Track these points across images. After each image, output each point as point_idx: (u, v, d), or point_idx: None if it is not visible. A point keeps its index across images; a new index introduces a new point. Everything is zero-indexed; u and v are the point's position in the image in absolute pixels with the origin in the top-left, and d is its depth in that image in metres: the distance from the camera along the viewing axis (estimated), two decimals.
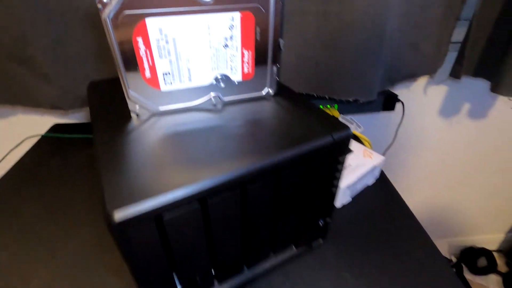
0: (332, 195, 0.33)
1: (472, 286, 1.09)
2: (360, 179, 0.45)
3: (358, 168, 0.45)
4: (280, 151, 0.25)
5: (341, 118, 0.60)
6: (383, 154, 0.81)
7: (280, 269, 0.36)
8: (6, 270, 0.36)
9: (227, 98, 0.31)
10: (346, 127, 0.28)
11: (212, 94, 0.31)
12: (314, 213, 0.33)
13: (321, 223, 0.36)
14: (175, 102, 0.30)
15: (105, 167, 0.23)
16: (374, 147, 0.56)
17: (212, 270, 0.31)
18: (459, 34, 0.60)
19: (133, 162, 0.23)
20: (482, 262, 1.13)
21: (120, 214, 0.19)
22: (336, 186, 0.32)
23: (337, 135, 0.27)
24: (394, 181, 0.50)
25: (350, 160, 0.47)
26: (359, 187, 0.46)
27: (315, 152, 0.26)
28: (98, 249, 0.38)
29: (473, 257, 1.13)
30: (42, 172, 0.51)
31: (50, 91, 0.52)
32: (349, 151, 0.29)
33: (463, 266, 1.14)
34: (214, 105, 0.31)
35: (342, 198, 0.44)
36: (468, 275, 1.13)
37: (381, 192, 0.48)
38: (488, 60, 0.61)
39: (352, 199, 0.46)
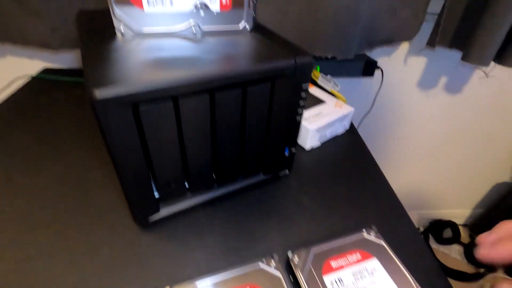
0: (297, 124, 0.37)
1: (436, 254, 1.18)
2: (329, 125, 0.49)
3: (328, 115, 0.49)
4: (246, 65, 0.28)
5: (321, 77, 0.63)
6: (360, 122, 0.86)
7: (248, 192, 0.40)
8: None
9: (206, 28, 0.34)
10: (308, 54, 0.31)
11: (192, 21, 0.33)
12: (280, 140, 0.37)
13: (286, 153, 0.40)
14: (157, 25, 0.33)
15: (89, 64, 0.26)
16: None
17: (186, 182, 0.35)
18: (437, 5, 0.63)
19: (114, 63, 0.27)
20: (448, 233, 1.21)
21: (100, 93, 0.22)
22: (300, 115, 0.36)
23: (300, 60, 0.31)
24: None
25: (322, 109, 0.51)
26: (329, 134, 0.51)
27: (278, 70, 0.30)
28: (84, 168, 0.42)
29: (440, 229, 1.22)
30: (31, 107, 0.54)
31: (40, 29, 0.54)
32: (310, 79, 0.33)
33: (430, 236, 1.23)
34: (194, 34, 0.34)
35: (311, 141, 0.48)
36: (434, 245, 1.22)
37: (349, 142, 0.52)
38: (463, 31, 0.64)
39: (322, 144, 0.50)
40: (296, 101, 0.34)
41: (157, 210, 0.35)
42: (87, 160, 0.43)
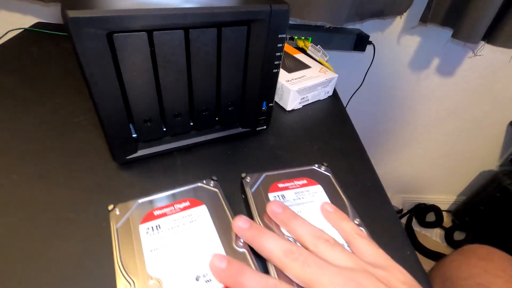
0: (274, 77, 0.38)
1: (417, 236, 1.21)
2: (311, 88, 0.50)
3: (311, 78, 0.50)
4: (221, 5, 0.29)
5: (311, 46, 0.64)
6: (350, 98, 0.87)
7: (225, 142, 0.42)
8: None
9: None
10: (285, 3, 0.32)
11: None
12: (257, 92, 0.38)
13: (264, 107, 0.41)
14: None
15: None
16: (341, 88, 0.60)
17: (163, 125, 0.37)
18: None
19: None
20: (431, 217, 1.25)
21: (74, 12, 0.23)
22: (277, 67, 0.37)
23: (276, 7, 0.31)
24: (357, 128, 0.50)
25: (306, 73, 0.52)
26: (311, 97, 0.52)
27: (253, 14, 0.30)
28: (68, 113, 0.43)
29: (424, 212, 1.25)
30: (22, 55, 0.55)
31: None
32: (287, 31, 0.34)
33: (414, 218, 1.26)
34: None
35: (292, 102, 0.49)
36: (416, 227, 1.26)
37: (330, 107, 0.53)
38: (455, 9, 0.65)
39: (303, 107, 0.51)
40: (272, 51, 0.35)
41: (134, 150, 0.36)
42: (72, 106, 0.44)
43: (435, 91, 0.91)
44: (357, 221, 0.30)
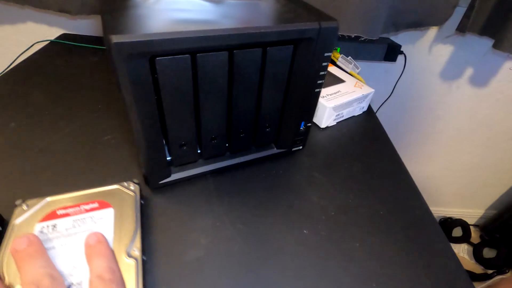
0: (315, 97, 0.36)
1: None
2: (347, 104, 0.47)
3: (346, 94, 0.47)
4: (266, 25, 0.27)
5: (341, 58, 0.61)
6: (379, 107, 0.83)
7: (260, 164, 0.39)
8: (15, 137, 0.40)
9: None
10: (334, 20, 0.30)
11: None
12: (297, 112, 0.36)
13: (302, 127, 0.39)
14: None
15: (108, 18, 0.25)
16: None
17: (198, 147, 0.34)
18: None
19: (133, 17, 0.26)
20: (457, 232, 1.19)
21: (118, 38, 0.21)
22: (319, 87, 0.35)
23: (325, 24, 0.29)
24: None
25: (341, 88, 0.49)
26: (345, 114, 0.49)
27: (300, 33, 0.28)
28: (97, 131, 0.42)
29: (450, 227, 1.19)
30: (49, 69, 0.54)
31: None
32: (334, 47, 0.31)
33: None
34: None
35: (327, 119, 0.46)
36: None
37: (366, 124, 0.50)
38: (496, 18, 0.61)
39: (337, 123, 0.49)
40: (317, 70, 0.33)
41: (168, 175, 0.35)
42: (100, 123, 0.43)
43: (466, 102, 0.86)
44: (136, 249, 0.26)
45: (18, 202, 0.27)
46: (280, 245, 0.31)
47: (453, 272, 0.31)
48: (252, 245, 0.31)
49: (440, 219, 1.22)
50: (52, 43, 0.63)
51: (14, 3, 0.58)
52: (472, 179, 1.12)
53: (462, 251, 1.18)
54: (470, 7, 0.60)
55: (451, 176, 1.11)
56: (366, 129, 0.49)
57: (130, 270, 0.24)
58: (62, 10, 0.56)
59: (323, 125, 0.47)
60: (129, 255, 0.25)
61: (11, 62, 0.66)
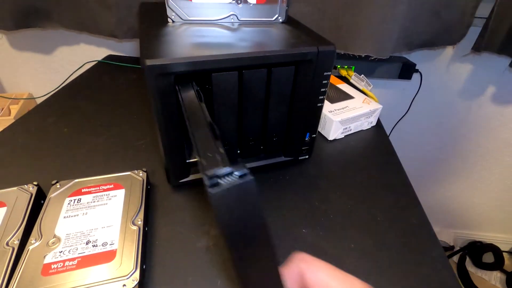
0: (318, 110, 0.40)
1: (472, 277, 1.09)
2: (354, 119, 0.50)
3: (354, 109, 0.51)
4: (272, 48, 0.32)
5: (354, 75, 0.65)
6: (394, 126, 0.84)
7: (269, 170, 0.44)
8: (67, 140, 0.48)
9: (242, 18, 0.39)
10: (331, 44, 0.34)
11: (231, 12, 0.38)
12: (302, 123, 0.40)
13: (307, 138, 0.43)
14: (202, 15, 0.38)
15: (144, 43, 0.32)
16: (385, 115, 0.59)
17: None
18: (485, 9, 0.61)
19: (163, 43, 0.32)
20: (489, 258, 1.12)
21: (150, 61, 0.28)
22: (322, 102, 0.39)
23: (322, 48, 0.34)
24: (401, 158, 0.48)
25: (349, 103, 0.53)
26: (353, 127, 0.52)
27: (301, 55, 0.33)
28: (132, 136, 0.49)
29: (480, 252, 1.13)
30: (96, 84, 0.64)
31: (109, 20, 0.64)
32: (332, 68, 0.36)
33: (467, 257, 1.14)
34: (231, 23, 0.39)
35: (334, 132, 0.50)
36: (471, 268, 1.13)
37: (373, 138, 0.53)
38: None
39: (345, 136, 0.52)
40: (318, 87, 0.37)
41: (187, 175, 0.40)
42: (134, 131, 0.50)
43: (490, 121, 0.85)
44: (139, 220, 0.32)
45: (53, 182, 0.36)
46: (280, 240, 0.35)
47: (443, 275, 0.32)
48: None
49: (469, 242, 1.16)
50: (99, 62, 0.74)
51: (73, 29, 0.69)
52: (505, 201, 1.06)
53: (494, 278, 1.11)
54: (485, 27, 0.61)
55: (481, 197, 1.06)
56: (373, 142, 0.52)
57: (134, 235, 0.31)
58: (111, 34, 0.66)
59: (330, 137, 0.50)
60: (134, 224, 0.32)
61: (65, 78, 0.77)
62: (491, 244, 1.13)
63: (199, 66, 0.30)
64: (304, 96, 0.37)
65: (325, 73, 0.36)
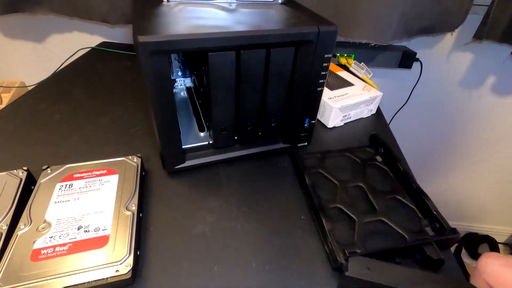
0: (318, 95, 0.39)
1: (468, 269, 1.10)
2: (354, 106, 0.49)
3: (354, 96, 0.50)
4: (270, 28, 0.31)
5: (354, 63, 0.63)
6: (393, 116, 0.84)
7: (267, 157, 0.43)
8: (59, 126, 0.46)
9: None
10: (333, 25, 0.33)
11: None
12: (300, 108, 0.39)
13: (306, 124, 0.42)
14: None
15: (137, 22, 0.30)
16: (384, 105, 0.58)
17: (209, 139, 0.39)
18: None
19: (157, 21, 0.31)
20: (484, 249, 1.13)
21: (143, 38, 0.26)
22: (321, 86, 0.38)
23: (323, 28, 0.32)
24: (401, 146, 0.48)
25: (349, 90, 0.51)
26: (353, 115, 0.51)
27: (301, 36, 0.32)
28: (126, 123, 0.48)
29: (475, 243, 1.13)
30: (89, 71, 0.62)
31: (102, 5, 0.62)
32: (333, 51, 0.35)
33: (463, 249, 1.15)
34: (229, 3, 0.38)
35: (333, 119, 0.49)
36: (466, 259, 1.14)
37: (373, 125, 0.52)
38: None
39: (345, 124, 0.51)
40: (318, 70, 0.36)
41: (183, 161, 0.39)
42: (129, 117, 0.49)
43: (490, 111, 0.84)
44: (133, 205, 0.31)
45: (44, 167, 0.34)
46: (278, 227, 0.34)
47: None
48: (253, 225, 0.34)
49: (465, 234, 1.17)
50: (93, 49, 0.72)
51: (64, 15, 0.67)
52: (502, 193, 1.06)
53: None
54: (486, 15, 0.60)
55: (477, 188, 1.06)
56: (373, 130, 0.51)
57: (127, 220, 0.30)
58: (104, 20, 0.65)
59: (330, 125, 0.49)
60: (127, 209, 0.31)
61: (58, 66, 0.75)
62: (487, 235, 1.14)
63: (195, 44, 0.28)
64: (304, 79, 0.36)
65: (325, 55, 0.35)
